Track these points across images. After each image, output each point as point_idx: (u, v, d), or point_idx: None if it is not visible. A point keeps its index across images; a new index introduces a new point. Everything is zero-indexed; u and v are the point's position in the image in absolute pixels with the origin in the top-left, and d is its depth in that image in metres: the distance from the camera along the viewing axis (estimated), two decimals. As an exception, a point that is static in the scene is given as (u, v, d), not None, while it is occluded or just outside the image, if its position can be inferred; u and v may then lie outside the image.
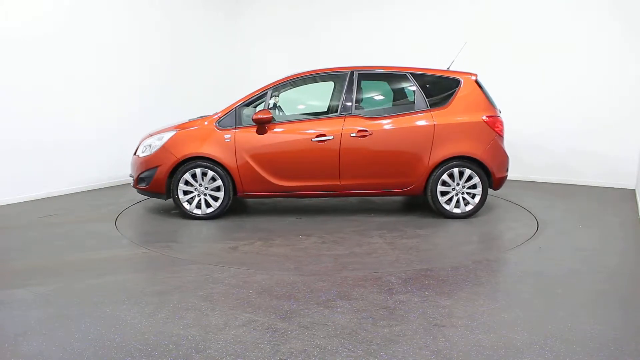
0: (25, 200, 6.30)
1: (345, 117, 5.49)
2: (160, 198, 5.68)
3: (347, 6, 8.97)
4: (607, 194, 6.99)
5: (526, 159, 7.81)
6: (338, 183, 5.52)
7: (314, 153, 5.45)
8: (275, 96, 5.95)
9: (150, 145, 5.68)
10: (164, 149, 5.54)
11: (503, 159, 5.63)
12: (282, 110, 6.07)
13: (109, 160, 7.37)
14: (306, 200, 6.55)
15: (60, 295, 3.48)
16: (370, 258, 4.28)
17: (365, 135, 5.42)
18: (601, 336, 2.89)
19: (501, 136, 5.58)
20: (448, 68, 5.95)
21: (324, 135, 5.43)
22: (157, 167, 5.53)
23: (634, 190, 7.13)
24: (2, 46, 5.95)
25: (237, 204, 6.36)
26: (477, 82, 5.64)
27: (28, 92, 6.26)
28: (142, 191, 5.76)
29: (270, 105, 5.74)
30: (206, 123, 5.59)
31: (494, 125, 5.51)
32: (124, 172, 7.63)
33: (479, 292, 3.53)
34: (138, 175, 5.69)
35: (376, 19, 8.72)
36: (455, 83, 5.62)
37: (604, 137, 7.40)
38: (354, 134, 5.42)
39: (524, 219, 5.63)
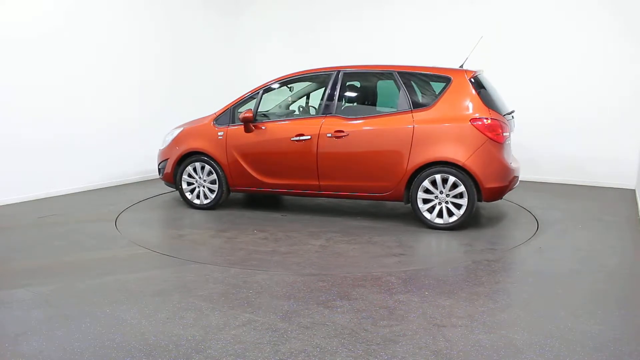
0: (25, 200, 6.29)
1: (325, 117, 5.43)
2: (172, 187, 6.21)
3: (347, 6, 8.96)
4: (607, 194, 6.99)
5: (526, 159, 7.80)
6: (317, 183, 5.47)
7: (294, 152, 5.48)
8: (290, 96, 6.16)
9: (165, 140, 6.31)
10: (172, 143, 6.12)
11: (497, 167, 4.97)
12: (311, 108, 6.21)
13: (109, 161, 7.36)
14: (317, 200, 6.50)
15: (60, 295, 3.48)
16: (278, 257, 4.32)
17: (342, 136, 5.26)
18: (601, 336, 2.89)
19: (497, 142, 4.91)
20: (461, 66, 5.55)
21: (302, 135, 5.42)
22: (167, 159, 6.12)
23: (634, 190, 7.13)
24: (1, 46, 5.95)
25: (258, 199, 6.47)
26: (473, 80, 5.12)
27: (28, 92, 6.25)
28: (163, 181, 6.34)
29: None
30: (207, 121, 5.99)
31: (484, 130, 4.89)
32: (124, 172, 7.65)
33: (479, 292, 3.53)
34: (158, 166, 6.36)
35: (376, 19, 8.72)
36: (445, 81, 5.15)
37: (604, 137, 7.39)
38: (330, 134, 5.31)
39: (524, 219, 5.62)
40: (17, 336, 2.88)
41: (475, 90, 5.08)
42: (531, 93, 7.72)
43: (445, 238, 4.91)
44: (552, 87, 7.65)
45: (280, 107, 6.27)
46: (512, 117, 5.52)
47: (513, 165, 5.25)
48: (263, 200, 6.58)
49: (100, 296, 3.44)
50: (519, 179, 5.48)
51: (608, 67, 7.29)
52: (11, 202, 6.14)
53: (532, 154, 7.86)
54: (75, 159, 6.88)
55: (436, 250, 4.75)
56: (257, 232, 5.09)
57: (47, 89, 6.46)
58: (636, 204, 6.30)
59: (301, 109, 6.21)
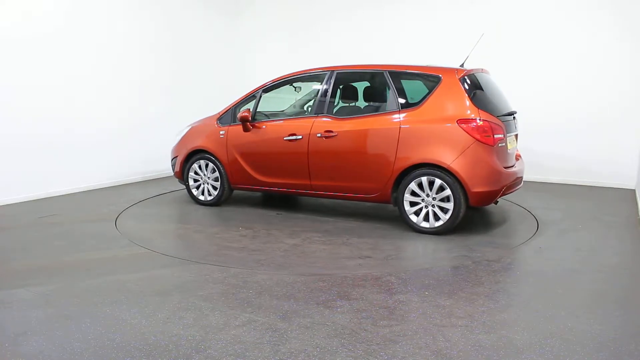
0: (25, 200, 6.29)
1: (317, 117, 5.45)
2: (182, 184, 6.45)
3: (347, 6, 8.96)
4: (607, 194, 6.99)
5: (525, 159, 7.79)
6: (309, 183, 5.49)
7: (286, 152, 5.54)
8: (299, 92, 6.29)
9: (176, 138, 6.54)
10: (181, 142, 6.38)
11: (486, 171, 4.74)
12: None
13: (109, 161, 7.36)
14: (321, 200, 6.47)
15: (60, 295, 3.48)
16: (244, 253, 4.39)
17: (330, 136, 5.26)
18: (601, 336, 2.89)
19: (487, 144, 4.72)
20: (462, 65, 5.41)
21: (295, 135, 5.46)
22: (176, 157, 6.38)
23: (634, 190, 7.13)
24: (1, 46, 5.95)
25: (272, 197, 6.60)
26: (467, 79, 4.95)
27: (28, 92, 6.25)
28: (176, 178, 6.56)
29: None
30: (211, 120, 6.18)
31: (471, 131, 4.71)
32: (124, 172, 7.65)
33: (479, 292, 3.53)
34: (170, 163, 6.59)
35: (376, 19, 8.72)
36: (435, 81, 4.98)
37: (604, 137, 7.39)
38: (319, 134, 5.32)
39: (524, 219, 5.62)
40: (17, 336, 2.88)
41: (466, 89, 4.88)
42: (531, 93, 7.72)
43: (427, 242, 4.77)
44: (552, 87, 7.65)
45: (294, 106, 6.36)
46: (514, 118, 5.42)
47: (511, 169, 5.08)
48: (275, 200, 6.59)
49: (100, 296, 3.44)
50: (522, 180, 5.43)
51: (608, 67, 7.29)
52: (11, 202, 6.14)
53: (531, 153, 7.86)
54: (75, 159, 6.88)
55: (411, 255, 4.64)
56: (242, 229, 5.18)
57: (47, 89, 6.46)
58: (636, 204, 6.30)
59: (310, 109, 6.22)
